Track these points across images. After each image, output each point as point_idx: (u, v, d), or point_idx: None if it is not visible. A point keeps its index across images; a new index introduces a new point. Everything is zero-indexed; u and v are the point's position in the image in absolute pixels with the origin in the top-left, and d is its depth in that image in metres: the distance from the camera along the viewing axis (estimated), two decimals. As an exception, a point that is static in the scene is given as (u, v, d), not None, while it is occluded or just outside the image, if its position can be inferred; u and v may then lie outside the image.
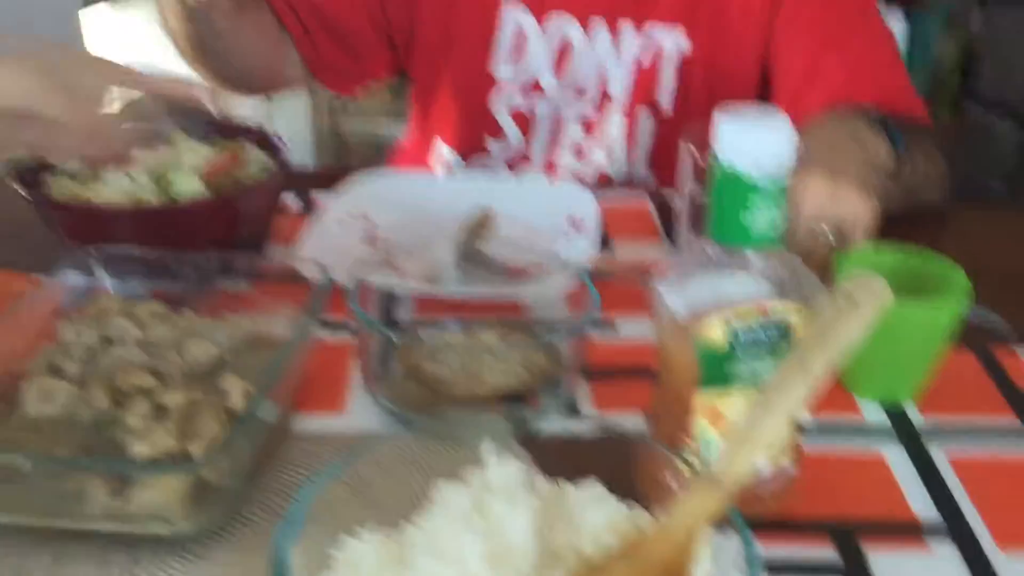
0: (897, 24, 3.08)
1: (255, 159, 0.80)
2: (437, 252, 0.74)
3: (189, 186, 0.74)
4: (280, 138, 0.83)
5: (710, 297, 0.52)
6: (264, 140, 0.83)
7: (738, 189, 0.50)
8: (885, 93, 0.93)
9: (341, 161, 2.44)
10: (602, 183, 1.08)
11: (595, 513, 0.45)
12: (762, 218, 0.51)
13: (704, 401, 0.54)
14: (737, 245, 0.52)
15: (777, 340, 0.53)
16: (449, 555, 0.41)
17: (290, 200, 0.97)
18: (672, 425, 0.55)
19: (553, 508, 0.46)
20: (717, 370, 0.53)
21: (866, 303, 0.50)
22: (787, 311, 0.53)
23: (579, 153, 1.09)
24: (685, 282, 0.53)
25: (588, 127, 1.08)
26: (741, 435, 0.45)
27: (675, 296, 0.53)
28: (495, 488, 0.46)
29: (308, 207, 0.95)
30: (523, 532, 0.43)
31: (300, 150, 2.35)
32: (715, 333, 0.52)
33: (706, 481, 0.44)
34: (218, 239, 0.75)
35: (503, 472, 0.47)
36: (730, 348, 0.52)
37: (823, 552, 0.55)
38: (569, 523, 0.45)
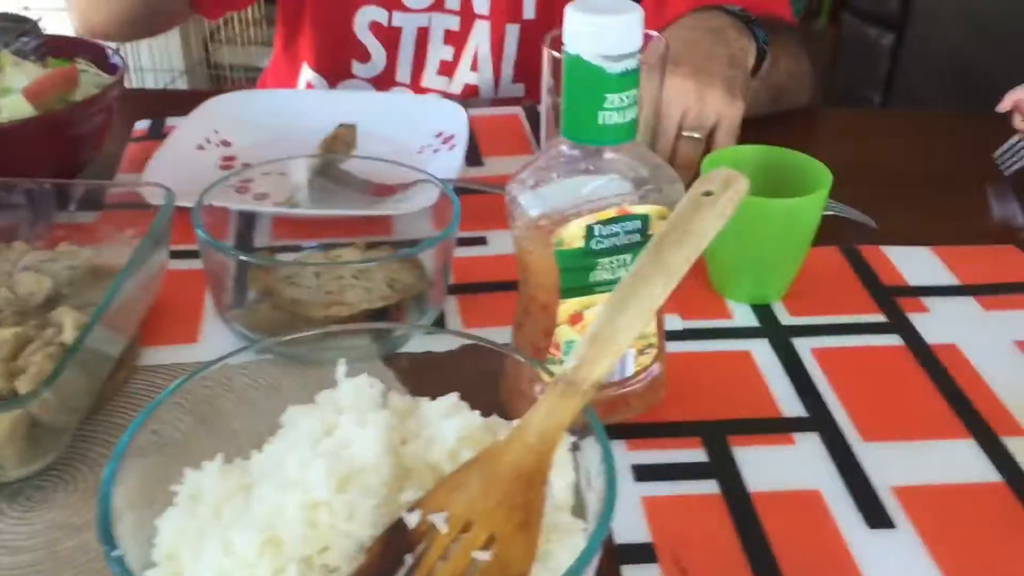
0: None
1: (91, 79, 0.74)
2: (292, 172, 0.70)
3: (15, 108, 0.68)
4: (119, 55, 0.77)
5: (568, 199, 0.50)
6: (101, 59, 0.77)
7: (589, 80, 0.48)
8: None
9: (216, 93, 2.34)
10: (469, 98, 1.05)
11: (449, 425, 0.43)
12: (616, 110, 0.49)
13: (567, 308, 0.52)
14: (592, 141, 0.50)
15: (639, 240, 0.51)
16: (293, 480, 0.39)
17: (144, 126, 0.91)
18: (536, 334, 0.54)
19: (407, 423, 0.44)
20: (578, 274, 0.51)
21: (724, 196, 0.49)
22: (647, 209, 0.51)
23: (446, 69, 1.06)
24: (542, 185, 0.51)
25: (454, 41, 1.04)
26: (597, 335, 0.44)
27: (531, 200, 0.51)
28: (345, 407, 0.44)
29: (161, 132, 0.89)
30: (373, 451, 0.40)
31: (172, 82, 2.24)
32: (573, 235, 0.50)
33: (562, 385, 0.42)
34: (56, 164, 0.70)
35: (354, 391, 0.44)
36: (590, 250, 0.51)
37: (692, 454, 0.55)
38: (422, 437, 0.43)
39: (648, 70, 0.68)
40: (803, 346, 0.63)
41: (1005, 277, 0.70)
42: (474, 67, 1.06)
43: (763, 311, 0.66)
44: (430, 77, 1.07)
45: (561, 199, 0.50)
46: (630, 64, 0.48)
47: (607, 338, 0.44)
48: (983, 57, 1.91)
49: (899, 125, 1.01)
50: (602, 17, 0.47)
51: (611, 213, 0.51)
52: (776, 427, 0.56)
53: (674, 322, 0.65)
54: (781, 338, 0.64)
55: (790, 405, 0.58)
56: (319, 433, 0.42)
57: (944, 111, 1.23)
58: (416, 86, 1.08)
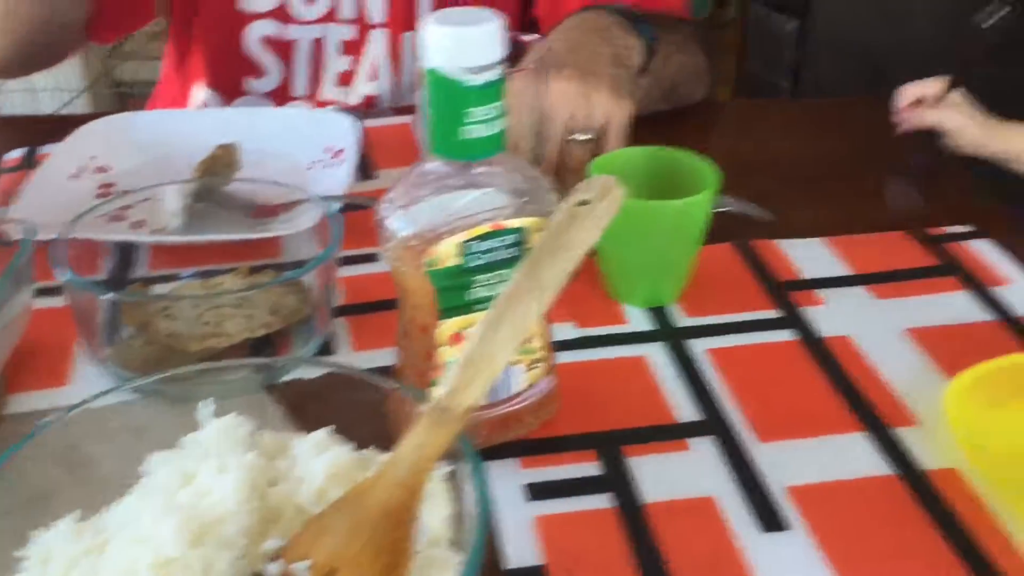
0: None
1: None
2: (169, 197, 0.67)
3: None
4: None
5: (439, 217, 0.49)
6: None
7: (450, 95, 0.46)
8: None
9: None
10: (369, 108, 1.03)
11: (318, 463, 0.41)
12: (481, 123, 0.47)
13: (447, 328, 0.51)
14: (460, 156, 0.48)
15: (516, 254, 0.50)
16: (144, 537, 0.37)
17: (18, 155, 0.87)
18: (418, 356, 0.52)
19: (277, 463, 0.42)
20: (455, 293, 0.50)
21: (599, 205, 0.48)
22: (523, 222, 0.50)
23: (344, 80, 1.03)
24: (412, 204, 0.49)
25: (350, 51, 1.02)
26: (470, 358, 0.42)
27: (400, 220, 0.49)
28: (208, 451, 0.41)
29: (34, 161, 0.85)
30: (233, 499, 0.38)
31: (71, 102, 2.17)
32: (447, 254, 0.49)
33: (433, 413, 0.40)
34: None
35: (219, 433, 0.42)
36: (465, 268, 0.49)
37: (588, 468, 0.54)
38: (291, 478, 0.41)
39: (529, 75, 0.67)
40: (699, 347, 0.62)
41: (897, 264, 0.70)
42: (373, 77, 1.04)
43: (659, 314, 0.66)
44: (328, 89, 1.05)
45: (432, 217, 0.49)
46: (493, 75, 0.46)
47: (481, 360, 0.42)
48: (887, 39, 1.95)
49: (798, 115, 1.02)
50: (459, 29, 0.45)
51: (485, 228, 0.49)
52: (671, 433, 0.56)
53: (569, 331, 0.64)
54: (677, 341, 0.63)
55: (685, 410, 0.57)
56: (177, 483, 0.40)
57: (845, 97, 1.24)
58: (314, 99, 1.05)
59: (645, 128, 0.77)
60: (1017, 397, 0.56)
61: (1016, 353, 0.59)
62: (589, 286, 0.67)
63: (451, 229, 0.49)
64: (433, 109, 0.48)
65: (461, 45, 0.45)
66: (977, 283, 0.68)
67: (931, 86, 0.85)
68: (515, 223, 0.50)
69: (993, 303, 0.66)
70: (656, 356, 0.62)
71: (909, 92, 0.86)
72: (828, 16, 2.06)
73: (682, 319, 0.65)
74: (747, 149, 0.90)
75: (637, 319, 0.65)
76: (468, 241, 0.49)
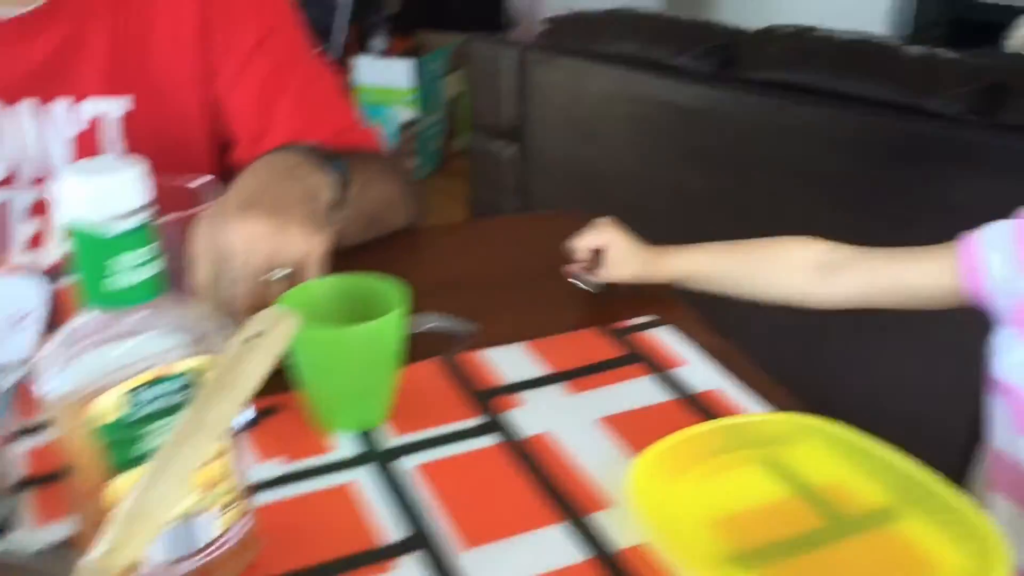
0: (408, 71, 3.28)
1: None
2: None
3: None
4: None
5: (98, 370, 0.47)
6: None
7: (92, 245, 0.46)
8: (334, 131, 0.94)
9: None
10: (64, 268, 0.98)
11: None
12: (131, 270, 0.46)
13: (120, 486, 0.48)
14: (115, 305, 0.47)
15: (188, 398, 0.49)
16: None
17: None
18: (91, 521, 0.49)
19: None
20: (125, 447, 0.48)
21: (268, 338, 0.48)
22: (193, 363, 0.49)
23: (34, 243, 0.99)
24: (68, 360, 0.48)
25: (37, 213, 0.98)
26: (129, 512, 0.40)
27: (54, 379, 0.47)
28: None
29: None
30: None
31: None
32: (109, 408, 0.47)
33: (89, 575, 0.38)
34: None
35: None
36: (133, 420, 0.48)
37: (294, 606, 0.52)
38: None
39: (208, 219, 0.67)
40: (408, 464, 0.63)
41: (590, 359, 0.75)
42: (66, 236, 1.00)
43: (368, 437, 0.66)
44: (18, 253, 1.00)
45: (90, 372, 0.47)
46: (135, 222, 0.46)
47: (142, 513, 0.41)
48: (593, 158, 2.11)
49: (502, 231, 1.08)
50: (93, 179, 0.45)
51: (150, 375, 0.48)
52: (377, 556, 0.55)
53: (277, 467, 0.62)
54: (385, 461, 0.63)
55: (393, 530, 0.57)
56: None
57: (549, 211, 1.33)
58: (4, 264, 0.99)
59: (349, 259, 0.78)
60: (695, 466, 0.60)
61: (693, 426, 0.64)
62: (297, 418, 0.67)
63: (112, 381, 0.47)
64: (77, 261, 0.47)
65: (97, 195, 0.45)
66: (659, 367, 0.73)
67: (602, 238, 0.85)
68: (183, 366, 0.49)
69: (673, 383, 0.71)
70: (365, 480, 0.62)
71: (582, 245, 0.86)
72: (539, 141, 2.21)
73: (391, 439, 0.66)
74: (453, 267, 0.94)
75: (346, 445, 0.65)
76: (132, 391, 0.47)
